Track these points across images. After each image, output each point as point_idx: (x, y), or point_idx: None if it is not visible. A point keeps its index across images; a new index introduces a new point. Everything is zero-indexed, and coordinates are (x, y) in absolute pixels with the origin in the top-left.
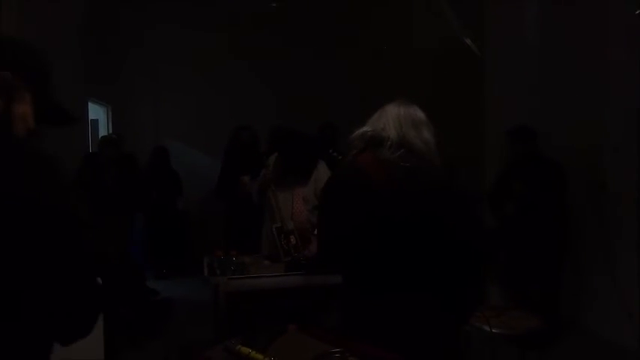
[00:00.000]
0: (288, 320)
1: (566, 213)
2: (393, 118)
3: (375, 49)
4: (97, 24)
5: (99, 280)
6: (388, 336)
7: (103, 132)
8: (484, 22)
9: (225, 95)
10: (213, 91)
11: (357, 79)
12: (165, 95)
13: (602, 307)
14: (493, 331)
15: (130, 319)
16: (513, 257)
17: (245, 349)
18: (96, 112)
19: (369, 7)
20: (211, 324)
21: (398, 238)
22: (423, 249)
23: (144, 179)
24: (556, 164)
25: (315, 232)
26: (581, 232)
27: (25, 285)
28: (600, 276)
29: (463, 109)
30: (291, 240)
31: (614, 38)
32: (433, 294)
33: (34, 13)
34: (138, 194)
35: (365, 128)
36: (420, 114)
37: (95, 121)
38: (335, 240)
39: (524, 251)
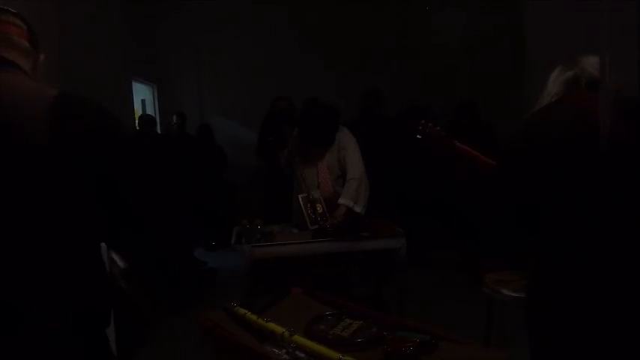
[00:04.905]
0: (316, 286)
1: None
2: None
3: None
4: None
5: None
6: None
7: (150, 111)
8: None
9: (271, 69)
10: (257, 65)
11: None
12: (208, 71)
13: None
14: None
15: (177, 289)
16: None
17: (242, 310)
18: (144, 92)
19: None
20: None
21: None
22: None
23: (190, 155)
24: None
25: (346, 201)
26: None
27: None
28: None
29: None
30: (318, 208)
31: None
32: None
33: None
34: (186, 169)
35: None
36: None
37: (144, 101)
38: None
39: None
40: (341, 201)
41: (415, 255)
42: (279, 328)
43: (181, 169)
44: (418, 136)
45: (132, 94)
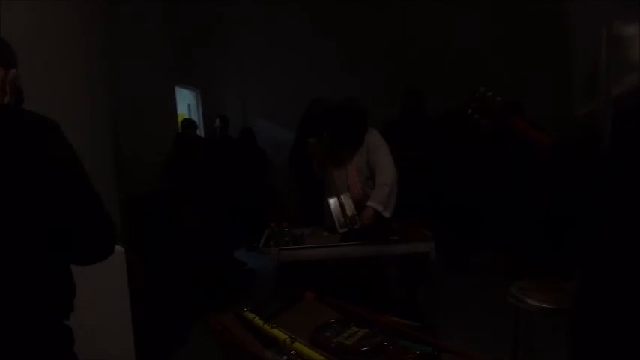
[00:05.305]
0: (338, 290)
1: None
2: None
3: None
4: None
5: None
6: None
7: (194, 115)
8: None
9: (310, 71)
10: (298, 68)
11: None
12: (250, 75)
13: None
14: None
15: (213, 288)
16: None
17: (250, 315)
18: (189, 97)
19: None
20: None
21: None
22: None
23: (232, 157)
24: None
25: (375, 204)
26: None
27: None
28: None
29: None
30: (347, 211)
31: None
32: None
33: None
34: (226, 171)
35: None
36: None
37: (189, 106)
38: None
39: None
40: (370, 204)
41: (453, 258)
42: (281, 335)
43: (224, 171)
44: (473, 104)
45: (175, 99)
